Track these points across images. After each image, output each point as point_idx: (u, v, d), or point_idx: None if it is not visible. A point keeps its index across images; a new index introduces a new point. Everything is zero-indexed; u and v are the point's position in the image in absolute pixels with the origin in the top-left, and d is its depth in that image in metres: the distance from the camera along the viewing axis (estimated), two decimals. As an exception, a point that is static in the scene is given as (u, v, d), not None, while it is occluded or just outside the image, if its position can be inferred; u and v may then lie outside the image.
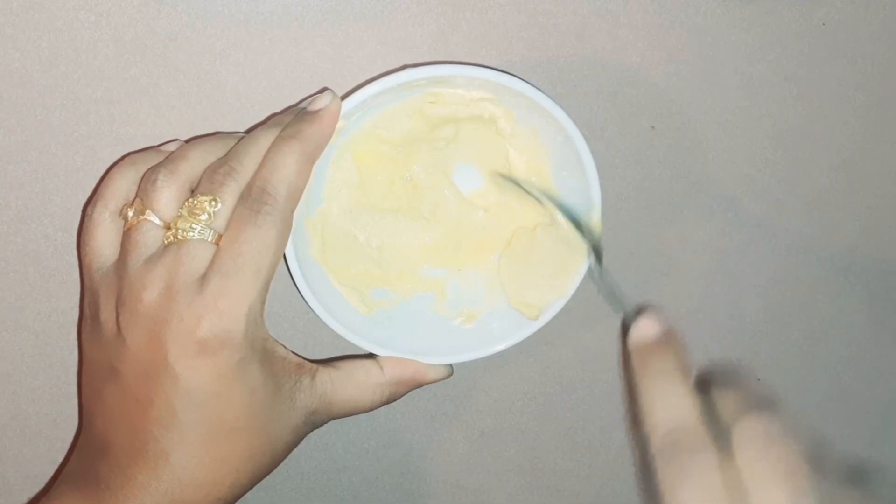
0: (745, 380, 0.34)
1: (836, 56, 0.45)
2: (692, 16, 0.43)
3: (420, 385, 0.40)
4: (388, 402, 0.40)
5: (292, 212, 0.35)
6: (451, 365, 0.41)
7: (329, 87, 0.41)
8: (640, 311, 0.35)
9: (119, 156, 0.40)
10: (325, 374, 0.38)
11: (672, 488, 0.30)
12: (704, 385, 0.33)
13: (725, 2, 0.43)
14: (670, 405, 0.32)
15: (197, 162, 0.36)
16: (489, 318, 0.42)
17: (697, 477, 0.30)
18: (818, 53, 0.44)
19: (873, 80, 0.45)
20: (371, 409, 0.39)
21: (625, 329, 0.35)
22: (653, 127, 0.44)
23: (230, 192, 0.35)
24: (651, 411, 0.32)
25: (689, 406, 0.32)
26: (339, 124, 0.36)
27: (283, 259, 0.36)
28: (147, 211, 0.35)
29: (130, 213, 0.35)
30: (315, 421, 0.38)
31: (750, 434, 0.30)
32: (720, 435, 0.31)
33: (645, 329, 0.34)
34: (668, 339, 0.34)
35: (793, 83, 0.45)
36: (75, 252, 0.41)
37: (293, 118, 0.36)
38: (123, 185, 0.36)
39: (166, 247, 0.34)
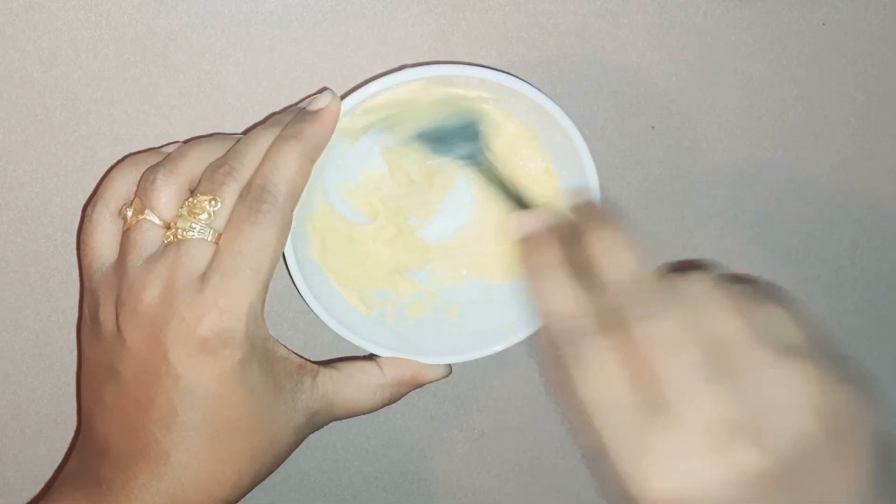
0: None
1: (836, 56, 0.45)
2: (692, 16, 0.43)
3: (420, 385, 0.40)
4: (389, 403, 0.40)
5: (292, 211, 0.35)
6: (450, 365, 0.41)
7: (329, 86, 0.41)
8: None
9: (119, 156, 0.40)
10: (326, 374, 0.38)
11: (574, 378, 0.30)
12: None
13: (725, 2, 0.43)
14: (554, 299, 0.32)
15: (196, 162, 0.36)
16: (488, 317, 0.42)
17: (591, 361, 0.30)
18: (818, 53, 0.44)
19: (873, 80, 0.45)
20: (372, 411, 0.39)
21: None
22: (653, 127, 0.44)
23: (230, 192, 0.35)
24: (540, 308, 0.32)
25: (571, 296, 0.32)
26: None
27: (283, 260, 0.36)
28: (146, 210, 0.35)
29: (129, 213, 0.35)
30: (316, 422, 0.38)
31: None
32: (607, 314, 0.31)
33: (523, 223, 0.35)
34: (547, 234, 0.34)
35: (793, 83, 0.45)
36: (75, 252, 0.41)
37: (293, 118, 0.36)
38: (123, 186, 0.36)
39: (166, 246, 0.34)
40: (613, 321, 0.30)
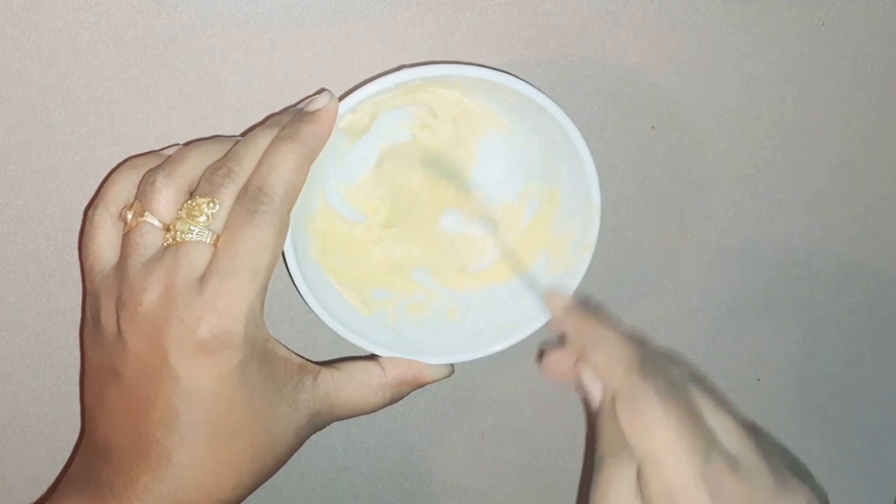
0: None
1: (836, 56, 0.45)
2: (692, 16, 0.43)
3: (422, 385, 0.40)
4: (391, 402, 0.40)
5: (289, 211, 0.35)
6: (451, 365, 0.41)
7: (328, 87, 0.41)
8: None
9: (119, 156, 0.40)
10: (327, 374, 0.38)
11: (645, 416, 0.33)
12: None
13: (725, 2, 0.43)
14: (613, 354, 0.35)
15: (195, 164, 0.36)
16: (488, 317, 0.42)
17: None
18: (818, 53, 0.44)
19: (873, 80, 0.45)
20: (374, 411, 0.39)
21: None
22: (653, 127, 0.44)
23: (228, 194, 0.35)
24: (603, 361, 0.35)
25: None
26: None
27: (283, 260, 0.36)
28: (146, 213, 0.35)
29: (129, 216, 0.35)
30: (318, 422, 0.38)
31: None
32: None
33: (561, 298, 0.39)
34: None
35: (793, 83, 0.45)
36: (75, 252, 0.41)
37: (291, 119, 0.36)
38: (124, 189, 0.37)
39: (165, 249, 0.34)
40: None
